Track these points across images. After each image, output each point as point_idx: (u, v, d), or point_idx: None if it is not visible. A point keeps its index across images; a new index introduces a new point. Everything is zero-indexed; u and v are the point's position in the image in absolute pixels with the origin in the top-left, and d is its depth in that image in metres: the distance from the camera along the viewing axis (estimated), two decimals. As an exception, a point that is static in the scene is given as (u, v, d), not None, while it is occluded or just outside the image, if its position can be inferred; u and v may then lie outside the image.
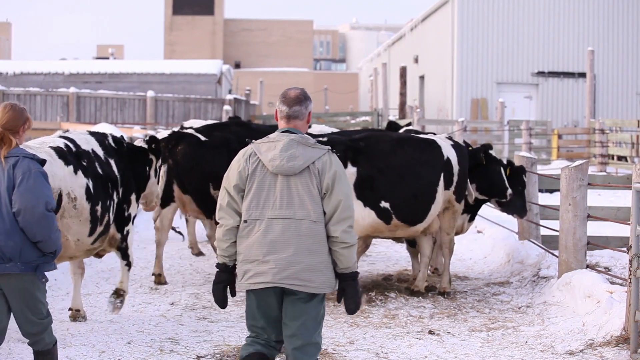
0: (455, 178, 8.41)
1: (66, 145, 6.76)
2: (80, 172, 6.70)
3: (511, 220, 11.56)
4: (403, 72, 28.04)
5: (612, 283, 7.81)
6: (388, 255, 11.06)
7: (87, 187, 6.72)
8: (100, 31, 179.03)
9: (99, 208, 6.85)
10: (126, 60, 45.80)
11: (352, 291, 4.59)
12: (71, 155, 6.72)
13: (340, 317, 7.53)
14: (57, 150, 6.62)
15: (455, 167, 8.39)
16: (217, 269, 4.70)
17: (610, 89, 31.94)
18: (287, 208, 4.52)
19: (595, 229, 10.04)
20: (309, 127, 6.28)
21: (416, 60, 37.76)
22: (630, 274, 6.40)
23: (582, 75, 30.62)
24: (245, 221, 4.56)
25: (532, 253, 9.58)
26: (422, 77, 37.26)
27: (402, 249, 11.57)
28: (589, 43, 30.89)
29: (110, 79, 33.86)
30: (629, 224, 6.79)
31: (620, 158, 23.26)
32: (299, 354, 4.54)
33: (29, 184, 4.91)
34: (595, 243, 8.89)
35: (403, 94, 28.03)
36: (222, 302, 4.70)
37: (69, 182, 6.57)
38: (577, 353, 6.53)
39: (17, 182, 4.91)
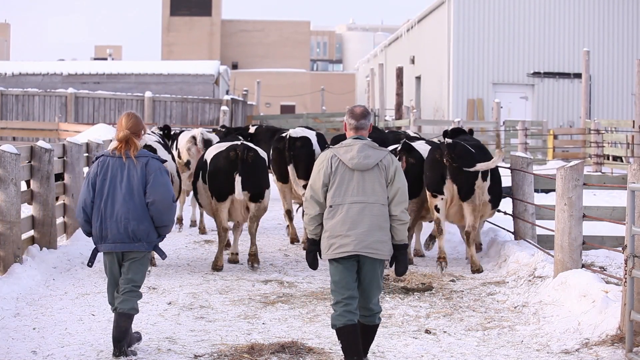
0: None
1: (163, 140, 10.32)
2: (171, 158, 9.93)
3: (507, 220, 11.60)
4: (399, 72, 28.06)
5: (607, 282, 7.84)
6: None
7: (176, 168, 10.09)
8: (98, 32, 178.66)
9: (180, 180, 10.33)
10: (124, 61, 45.77)
11: (402, 258, 5.98)
12: (166, 147, 10.08)
13: (337, 317, 7.56)
14: (161, 143, 10.00)
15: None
16: (309, 243, 6.02)
17: (605, 89, 32.00)
18: (363, 195, 5.81)
19: (591, 228, 10.08)
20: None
21: (412, 61, 37.79)
22: (626, 274, 6.44)
23: (578, 75, 30.68)
24: (331, 206, 5.85)
25: (527, 253, 9.61)
26: (418, 78, 37.30)
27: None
28: (585, 44, 30.94)
29: (108, 80, 33.85)
30: (624, 224, 6.83)
31: (615, 158, 23.32)
32: (370, 301, 5.92)
33: (161, 180, 6.18)
34: (590, 243, 8.93)
35: (399, 95, 28.05)
36: (313, 265, 6.07)
37: (171, 164, 9.77)
38: (572, 352, 6.56)
39: (151, 178, 6.16)
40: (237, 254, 10.34)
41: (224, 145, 9.94)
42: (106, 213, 6.17)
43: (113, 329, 6.24)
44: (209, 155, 9.98)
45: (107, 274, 6.37)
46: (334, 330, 5.94)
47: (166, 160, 6.57)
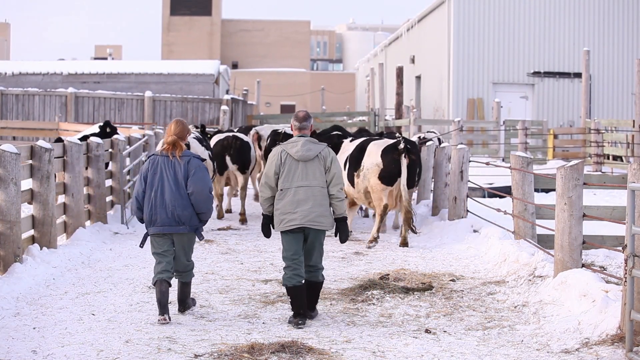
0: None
1: (197, 137, 13.19)
2: (205, 149, 13.11)
3: (507, 220, 11.60)
4: (399, 72, 28.04)
5: (607, 282, 7.84)
6: (384, 255, 11.10)
7: (209, 155, 13.29)
8: (98, 32, 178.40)
9: (215, 165, 13.68)
10: (124, 60, 45.79)
11: (344, 229, 7.59)
12: (200, 141, 13.13)
13: (337, 317, 7.56)
14: (196, 139, 13.07)
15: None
16: (264, 218, 7.58)
17: (605, 89, 32.00)
18: (306, 180, 7.39)
19: (591, 228, 10.08)
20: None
21: (413, 61, 37.79)
22: (626, 273, 6.44)
23: (578, 75, 30.68)
24: (281, 190, 7.41)
25: (527, 252, 9.61)
26: (418, 77, 37.30)
27: (399, 249, 11.61)
28: (585, 43, 30.94)
29: (108, 79, 33.85)
30: (624, 224, 6.84)
31: (615, 158, 23.32)
32: (314, 261, 7.49)
33: (199, 175, 7.48)
34: (590, 242, 8.92)
35: (399, 94, 28.03)
36: (268, 234, 7.63)
37: (205, 155, 12.92)
38: (572, 352, 6.56)
39: (191, 173, 7.46)
40: (229, 210, 15.46)
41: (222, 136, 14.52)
42: (156, 201, 7.46)
43: (178, 293, 7.73)
44: (211, 143, 14.13)
45: (155, 253, 7.55)
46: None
47: (205, 159, 8.02)
